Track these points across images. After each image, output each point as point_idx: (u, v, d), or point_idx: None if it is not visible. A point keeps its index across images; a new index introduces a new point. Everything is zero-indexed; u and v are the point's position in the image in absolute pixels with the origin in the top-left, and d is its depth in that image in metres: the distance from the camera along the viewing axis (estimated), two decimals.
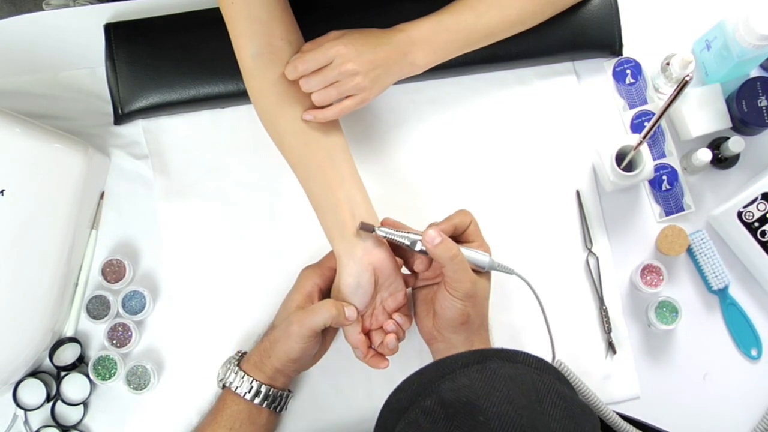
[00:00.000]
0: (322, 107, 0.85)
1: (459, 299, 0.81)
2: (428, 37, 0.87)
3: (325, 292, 0.88)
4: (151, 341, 0.95)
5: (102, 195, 0.97)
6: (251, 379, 0.85)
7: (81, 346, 0.93)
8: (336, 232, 0.84)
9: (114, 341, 0.93)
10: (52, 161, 0.87)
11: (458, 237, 0.85)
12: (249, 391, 0.84)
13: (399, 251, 0.87)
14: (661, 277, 0.94)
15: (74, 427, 0.93)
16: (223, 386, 0.87)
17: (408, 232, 0.83)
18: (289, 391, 0.89)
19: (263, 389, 0.85)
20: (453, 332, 0.83)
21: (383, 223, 0.86)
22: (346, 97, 0.85)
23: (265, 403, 0.85)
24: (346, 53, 0.83)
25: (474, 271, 0.83)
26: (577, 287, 0.97)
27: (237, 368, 0.86)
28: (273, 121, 0.87)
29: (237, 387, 0.85)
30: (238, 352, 0.91)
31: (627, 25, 0.99)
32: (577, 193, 0.98)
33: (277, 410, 0.87)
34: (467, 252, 0.83)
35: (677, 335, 0.96)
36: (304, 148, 0.86)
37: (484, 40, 0.92)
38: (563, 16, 0.96)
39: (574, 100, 1.00)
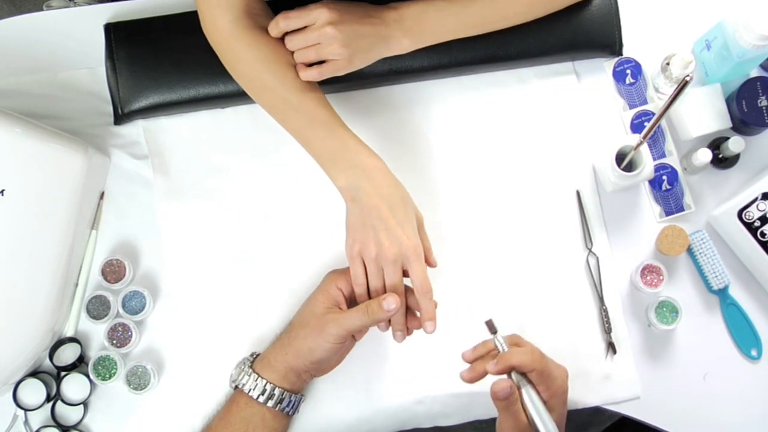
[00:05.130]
0: (305, 66, 0.86)
1: None
2: (417, 16, 0.87)
3: (349, 298, 0.88)
4: (151, 341, 0.95)
5: (102, 195, 0.97)
6: (264, 381, 0.85)
7: (81, 346, 0.93)
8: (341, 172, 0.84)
9: (114, 341, 0.93)
10: (52, 161, 0.87)
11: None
12: (262, 394, 0.84)
13: None
14: (661, 277, 0.94)
15: (74, 427, 0.93)
16: (236, 387, 0.87)
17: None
18: (302, 395, 0.89)
19: (276, 392, 0.85)
20: None
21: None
22: (322, 62, 0.85)
23: (278, 406, 0.85)
24: (328, 16, 0.83)
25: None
26: (577, 287, 0.97)
27: (250, 369, 0.86)
28: (259, 78, 0.87)
29: (250, 389, 0.85)
30: (253, 354, 0.91)
31: (627, 25, 0.99)
32: (577, 193, 0.98)
33: (289, 414, 0.87)
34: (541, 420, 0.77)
35: (677, 335, 0.96)
36: (296, 94, 0.86)
37: (475, 28, 0.91)
38: (563, 16, 0.96)
39: (574, 100, 1.00)
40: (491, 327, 0.81)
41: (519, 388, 0.78)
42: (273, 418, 0.86)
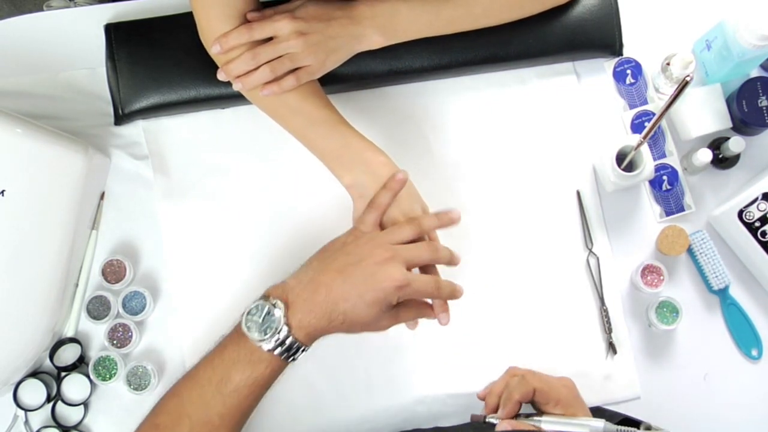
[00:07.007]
0: (271, 84, 0.85)
1: None
2: (390, 13, 0.87)
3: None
4: (152, 341, 0.95)
5: (102, 195, 0.97)
6: (292, 339, 0.77)
7: (81, 347, 0.93)
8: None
9: (114, 342, 0.93)
10: (53, 161, 0.87)
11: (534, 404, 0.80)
12: (280, 346, 0.77)
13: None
14: (661, 277, 0.94)
15: (75, 427, 0.93)
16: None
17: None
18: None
19: (294, 345, 0.77)
20: None
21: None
22: (297, 69, 0.85)
23: (285, 355, 0.77)
24: (292, 27, 0.83)
25: None
26: (577, 287, 0.97)
27: (286, 327, 0.77)
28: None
29: (273, 343, 0.76)
30: (271, 298, 0.79)
31: (627, 25, 0.99)
32: (578, 193, 0.98)
33: (288, 362, 0.79)
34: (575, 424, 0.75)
35: (678, 335, 0.96)
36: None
37: (447, 27, 0.91)
38: (563, 16, 0.97)
39: (574, 100, 1.00)
40: (478, 418, 0.80)
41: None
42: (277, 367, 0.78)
